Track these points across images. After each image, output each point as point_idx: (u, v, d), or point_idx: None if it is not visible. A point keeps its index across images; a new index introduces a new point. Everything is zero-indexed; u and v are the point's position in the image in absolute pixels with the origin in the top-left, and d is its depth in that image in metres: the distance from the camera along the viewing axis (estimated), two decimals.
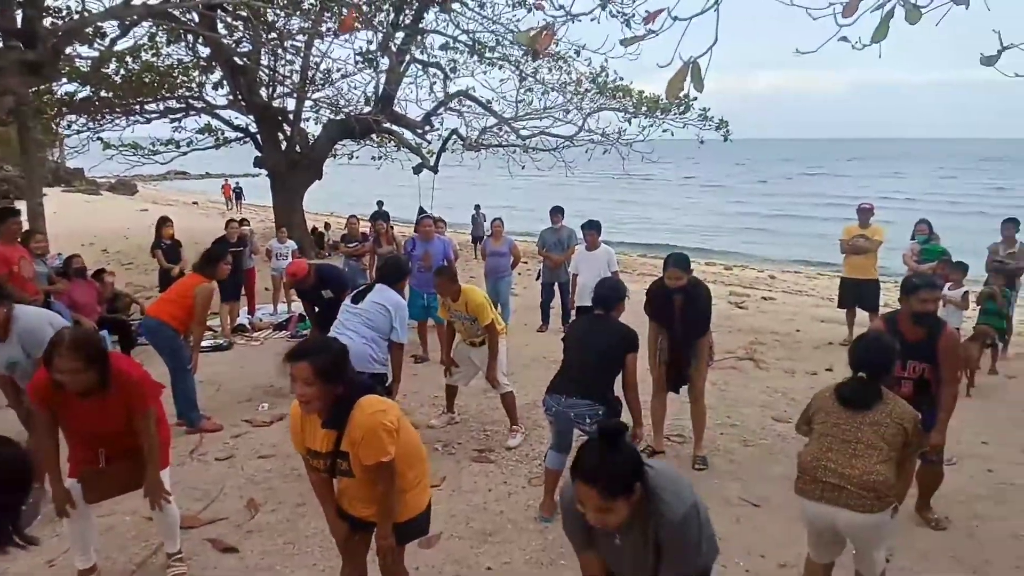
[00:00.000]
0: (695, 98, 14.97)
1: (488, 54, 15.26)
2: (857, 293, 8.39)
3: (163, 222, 9.01)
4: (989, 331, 7.28)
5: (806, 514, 3.07)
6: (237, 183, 30.71)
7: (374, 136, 16.93)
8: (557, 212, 9.31)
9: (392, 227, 11.09)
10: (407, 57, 14.90)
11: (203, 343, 7.99)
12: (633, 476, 1.95)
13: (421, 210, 14.31)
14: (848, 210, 10.47)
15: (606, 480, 1.91)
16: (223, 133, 16.79)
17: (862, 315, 8.36)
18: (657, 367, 5.10)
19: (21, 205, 11.83)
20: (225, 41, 13.78)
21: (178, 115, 15.96)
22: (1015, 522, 4.34)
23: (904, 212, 20.34)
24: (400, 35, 14.64)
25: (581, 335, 4.28)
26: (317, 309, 6.33)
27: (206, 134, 16.58)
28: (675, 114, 15.52)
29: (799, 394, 6.43)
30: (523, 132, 16.59)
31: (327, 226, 17.94)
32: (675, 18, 2.66)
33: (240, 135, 16.71)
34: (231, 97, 15.42)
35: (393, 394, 4.87)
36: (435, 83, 15.95)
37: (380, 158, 18.43)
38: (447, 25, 15.40)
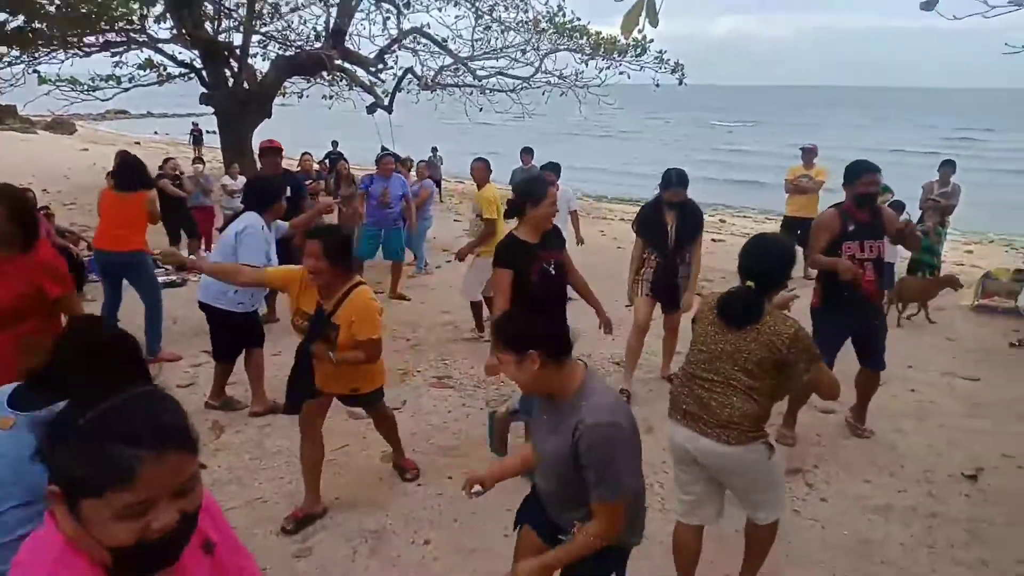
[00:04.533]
0: (651, 40, 15.03)
1: None
2: (796, 230, 8.66)
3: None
4: (956, 280, 7.58)
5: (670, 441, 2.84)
6: (196, 123, 26.31)
7: (325, 74, 16.48)
8: (527, 152, 9.46)
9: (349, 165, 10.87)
10: None
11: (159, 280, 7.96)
12: (524, 339, 2.06)
13: (383, 149, 14.15)
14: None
15: (504, 334, 2.11)
16: (166, 69, 16.11)
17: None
18: (641, 300, 5.21)
19: None
20: None
21: (118, 49, 15.22)
22: (931, 435, 4.75)
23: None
24: None
25: None
26: None
27: (148, 70, 15.89)
28: (631, 56, 15.51)
29: None
30: (480, 72, 16.39)
31: None
32: None
33: (185, 71, 16.06)
34: (175, 31, 14.79)
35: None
36: (388, 19, 15.58)
37: (331, 97, 18.00)
38: None
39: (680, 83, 15.65)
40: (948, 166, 8.58)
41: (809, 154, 8.67)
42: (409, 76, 16.12)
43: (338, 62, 15.23)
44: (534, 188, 3.65)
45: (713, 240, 12.91)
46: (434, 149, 18.14)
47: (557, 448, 2.07)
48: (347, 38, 15.01)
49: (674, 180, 5.09)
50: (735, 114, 73.63)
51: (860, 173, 4.19)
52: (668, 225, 5.09)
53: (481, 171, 6.55)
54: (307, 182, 9.58)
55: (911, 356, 6.21)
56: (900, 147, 36.55)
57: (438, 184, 15.79)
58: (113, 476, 0.98)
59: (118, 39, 15.04)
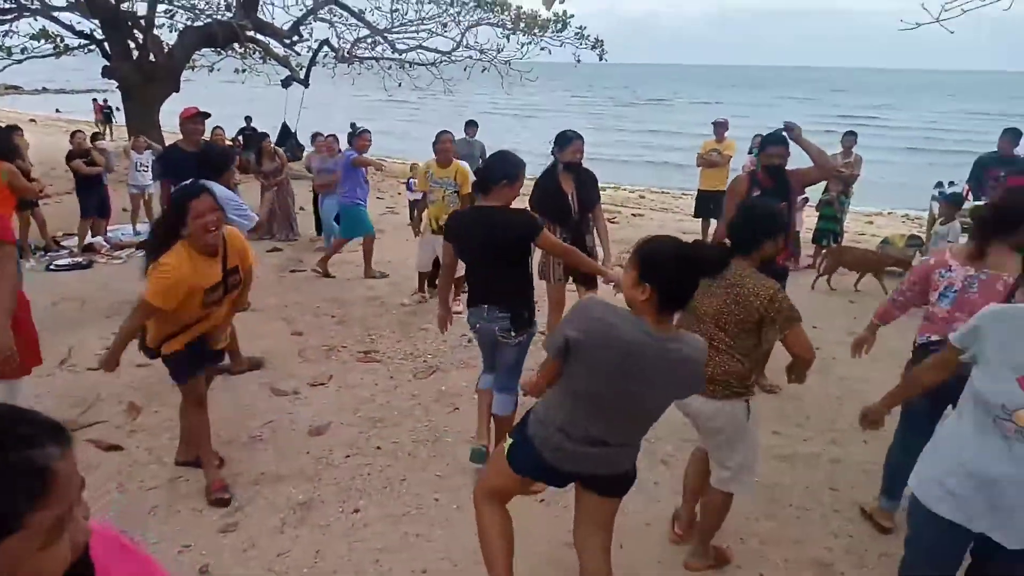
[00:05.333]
0: (571, 15, 15.12)
1: None
2: (710, 203, 9.02)
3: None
4: (908, 264, 7.83)
5: None
6: (106, 100, 23.96)
7: (236, 47, 15.82)
8: (471, 125, 9.51)
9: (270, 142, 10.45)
10: None
11: (62, 262, 7.58)
12: (651, 271, 2.15)
13: (284, 125, 14.15)
14: None
15: (643, 254, 2.19)
16: (63, 40, 15.13)
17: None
18: (554, 286, 4.92)
19: None
20: None
21: (7, 17, 14.17)
22: (833, 388, 5.08)
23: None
24: None
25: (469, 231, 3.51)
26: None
27: (43, 40, 14.88)
28: (552, 32, 15.56)
29: None
30: (399, 46, 16.09)
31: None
32: None
33: (84, 42, 15.11)
34: None
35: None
36: None
37: (244, 71, 17.32)
38: None
39: (600, 59, 15.81)
40: (850, 137, 9.02)
41: (720, 128, 9.00)
42: (325, 49, 15.67)
43: (251, 33, 14.64)
44: (515, 169, 3.41)
45: (633, 215, 13.24)
46: (352, 125, 17.72)
47: None
48: (259, 8, 14.44)
49: (572, 135, 4.71)
50: (648, 92, 74.96)
51: (767, 146, 4.64)
52: (568, 194, 4.71)
53: (451, 144, 6.18)
54: None
55: (816, 317, 6.57)
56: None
57: None
58: (32, 489, 0.82)
59: (7, 5, 13.97)
